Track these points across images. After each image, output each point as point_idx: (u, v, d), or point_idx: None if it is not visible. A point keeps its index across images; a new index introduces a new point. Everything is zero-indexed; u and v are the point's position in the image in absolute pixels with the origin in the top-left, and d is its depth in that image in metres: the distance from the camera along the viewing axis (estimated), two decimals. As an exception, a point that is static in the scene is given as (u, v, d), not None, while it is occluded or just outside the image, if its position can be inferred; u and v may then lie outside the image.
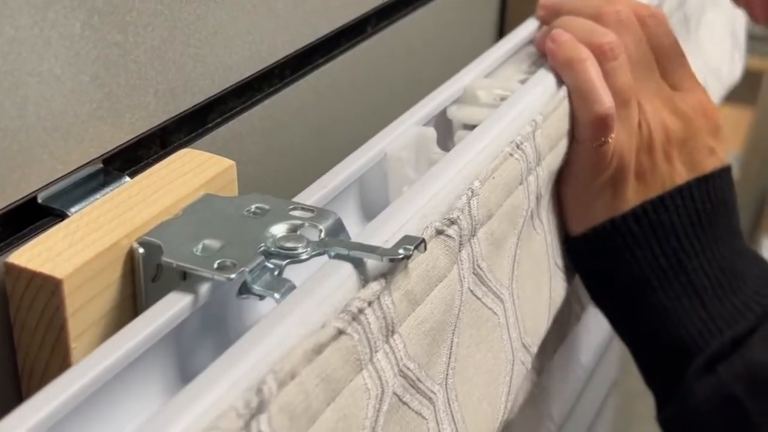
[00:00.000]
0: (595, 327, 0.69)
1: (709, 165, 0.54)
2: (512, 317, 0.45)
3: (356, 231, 0.38)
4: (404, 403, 0.36)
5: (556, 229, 0.53)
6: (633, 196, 0.53)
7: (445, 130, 0.50)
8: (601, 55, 0.51)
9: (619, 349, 0.94)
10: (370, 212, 0.46)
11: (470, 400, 0.41)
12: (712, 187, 0.54)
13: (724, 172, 0.55)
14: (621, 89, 0.51)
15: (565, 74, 0.51)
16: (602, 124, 0.50)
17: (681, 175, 0.53)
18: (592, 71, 0.50)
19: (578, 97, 0.50)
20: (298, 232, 0.36)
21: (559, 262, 0.53)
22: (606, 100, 0.50)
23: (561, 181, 0.52)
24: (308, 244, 0.35)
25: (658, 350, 0.54)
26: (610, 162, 0.51)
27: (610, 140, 0.51)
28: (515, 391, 0.47)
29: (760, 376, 0.51)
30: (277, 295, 0.33)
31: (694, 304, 0.52)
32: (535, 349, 0.48)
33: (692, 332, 0.52)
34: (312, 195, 0.40)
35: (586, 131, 0.50)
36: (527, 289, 0.47)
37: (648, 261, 0.53)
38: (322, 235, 0.36)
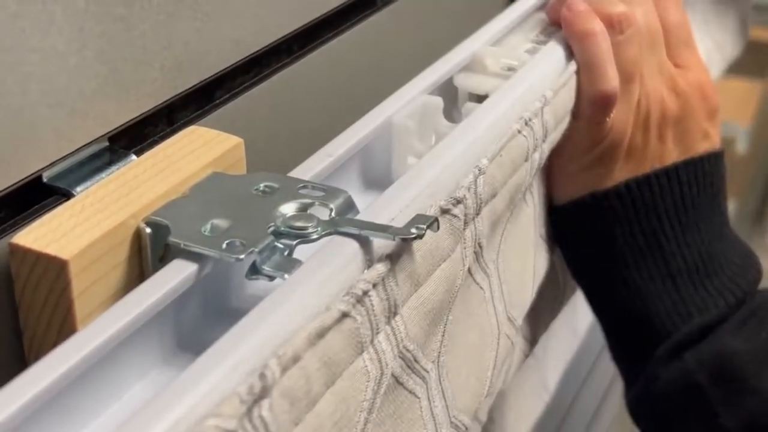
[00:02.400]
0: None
1: (701, 148, 0.54)
2: (497, 291, 0.44)
3: (358, 201, 0.37)
4: (400, 384, 0.36)
5: (543, 200, 0.52)
6: (620, 172, 0.52)
7: (452, 98, 0.49)
8: (611, 26, 0.50)
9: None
10: (372, 181, 0.45)
11: (459, 375, 0.41)
12: (701, 171, 0.53)
13: (716, 156, 0.54)
14: (627, 64, 0.50)
15: (576, 46, 0.49)
16: (605, 103, 0.49)
17: (671, 155, 0.53)
18: (603, 46, 0.49)
19: (585, 72, 0.49)
20: (308, 211, 0.35)
21: (544, 233, 0.52)
22: (612, 78, 0.49)
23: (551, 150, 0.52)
24: (318, 223, 0.34)
25: (627, 329, 0.54)
26: (605, 138, 0.51)
27: (608, 119, 0.50)
28: (501, 364, 0.46)
29: (725, 365, 0.50)
30: (287, 276, 0.33)
31: (667, 286, 0.52)
32: (520, 322, 0.48)
33: (662, 315, 0.52)
34: (317, 164, 0.39)
35: (587, 107, 0.49)
36: (513, 261, 0.46)
37: (626, 238, 0.52)
38: (333, 214, 0.35)
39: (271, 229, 0.34)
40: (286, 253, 0.34)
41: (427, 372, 0.38)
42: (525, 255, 0.49)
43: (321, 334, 0.30)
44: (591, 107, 0.49)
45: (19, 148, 0.34)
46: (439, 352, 0.39)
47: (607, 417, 0.93)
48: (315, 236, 0.34)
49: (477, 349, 0.43)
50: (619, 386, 0.97)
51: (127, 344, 0.32)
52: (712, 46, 0.81)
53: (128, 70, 0.38)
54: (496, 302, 0.44)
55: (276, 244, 0.34)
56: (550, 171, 0.52)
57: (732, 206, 1.89)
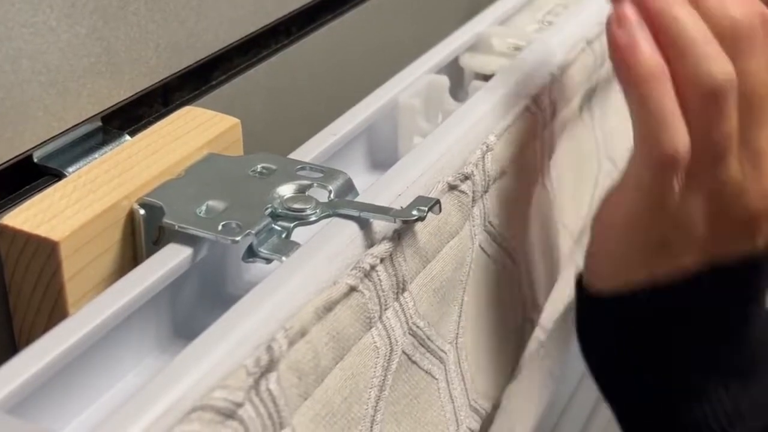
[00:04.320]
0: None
1: None
2: (524, 275, 0.44)
3: (364, 180, 0.36)
4: (414, 362, 0.35)
5: (564, 189, 0.51)
6: (689, 254, 0.41)
7: (457, 79, 0.48)
8: (703, 98, 0.37)
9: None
10: (378, 161, 0.45)
11: (479, 359, 0.40)
12: None
13: None
14: (718, 140, 0.38)
15: (629, 90, 0.38)
16: (665, 168, 0.38)
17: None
18: (666, 98, 0.37)
19: (640, 124, 0.38)
20: (307, 193, 0.34)
21: (566, 222, 0.52)
22: (677, 139, 0.37)
23: (599, 207, 0.42)
24: (317, 205, 0.33)
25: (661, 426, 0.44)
26: (669, 210, 0.39)
27: (675, 186, 0.38)
28: (522, 351, 0.46)
29: None
30: (284, 259, 0.32)
31: (720, 387, 0.43)
32: (543, 307, 0.47)
33: (709, 417, 0.42)
34: (322, 143, 0.39)
35: (644, 169, 0.39)
36: (537, 246, 0.46)
37: (693, 335, 0.42)
38: (332, 196, 0.35)
39: (269, 210, 0.33)
40: (283, 235, 0.33)
41: (445, 353, 0.37)
42: (548, 242, 0.48)
43: (329, 307, 0.30)
44: (648, 170, 0.38)
45: (8, 127, 0.33)
46: (457, 334, 0.38)
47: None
48: (313, 218, 0.33)
49: (499, 333, 0.42)
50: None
51: (121, 330, 0.31)
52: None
53: (122, 48, 0.37)
54: (523, 285, 0.44)
55: (273, 226, 0.33)
56: (593, 247, 0.43)
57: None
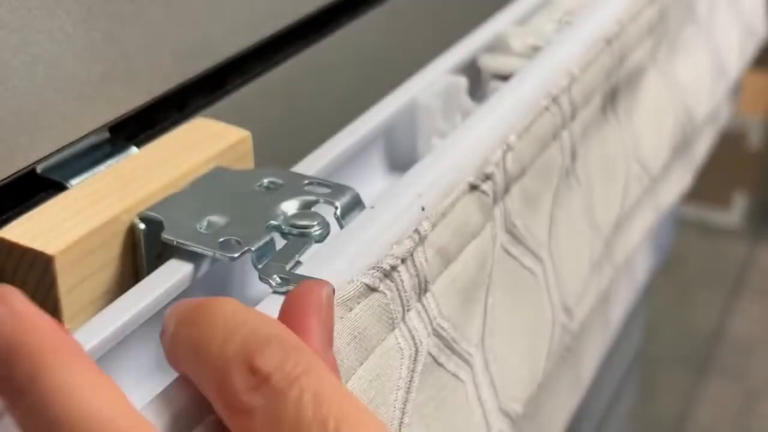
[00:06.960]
0: (625, 290, 0.67)
1: None
2: (552, 278, 0.43)
3: (382, 184, 0.36)
4: (440, 365, 0.35)
5: (593, 188, 0.51)
6: None
7: (475, 80, 0.48)
8: None
9: (643, 316, 0.93)
10: (396, 163, 0.45)
11: (509, 363, 0.40)
12: None
13: None
14: None
15: None
16: None
17: None
18: None
19: None
20: (312, 209, 0.34)
21: (595, 223, 0.51)
22: None
23: None
24: (321, 222, 0.33)
25: None
26: None
27: None
28: (554, 355, 0.45)
29: None
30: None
31: None
32: (576, 311, 0.47)
33: None
34: (339, 144, 0.39)
35: None
36: (566, 249, 0.45)
37: None
38: (338, 212, 0.34)
39: (271, 227, 0.33)
40: (292, 262, 0.33)
41: (471, 356, 0.37)
42: (579, 243, 0.48)
43: (348, 307, 0.30)
44: None
45: (22, 135, 0.33)
46: (483, 336, 0.38)
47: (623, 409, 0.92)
48: (317, 236, 0.33)
49: (530, 337, 0.42)
50: (633, 376, 0.95)
51: (119, 351, 0.30)
52: (743, 29, 0.76)
53: (137, 53, 0.37)
54: (551, 289, 0.43)
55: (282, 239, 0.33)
56: None
57: (745, 201, 1.85)
